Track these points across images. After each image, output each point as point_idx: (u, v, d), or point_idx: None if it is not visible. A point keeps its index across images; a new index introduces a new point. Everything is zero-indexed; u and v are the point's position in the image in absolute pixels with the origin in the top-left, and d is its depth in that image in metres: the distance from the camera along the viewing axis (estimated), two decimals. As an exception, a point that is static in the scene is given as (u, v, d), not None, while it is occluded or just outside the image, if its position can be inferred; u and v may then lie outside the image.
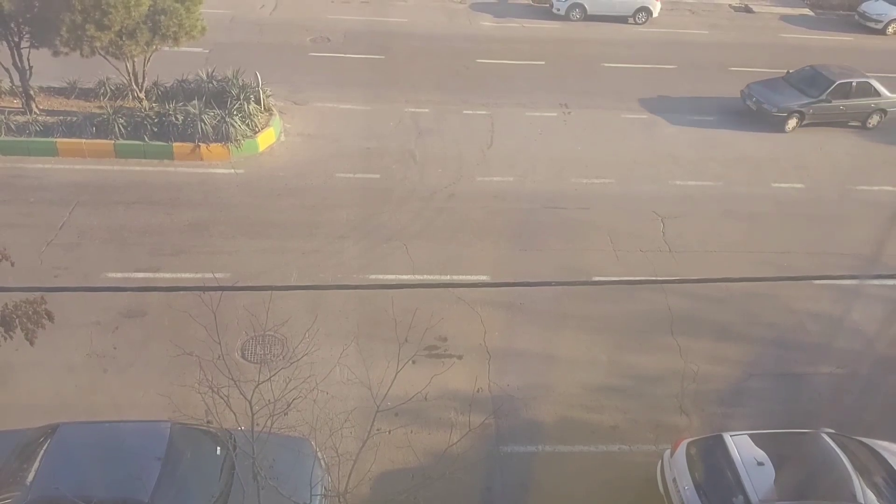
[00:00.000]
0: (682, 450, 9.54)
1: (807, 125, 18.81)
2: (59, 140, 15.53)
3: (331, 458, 7.85)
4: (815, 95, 18.60)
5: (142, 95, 16.64)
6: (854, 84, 18.80)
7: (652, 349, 12.12)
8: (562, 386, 11.34)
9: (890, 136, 19.11)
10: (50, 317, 8.09)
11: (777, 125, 18.53)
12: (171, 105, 16.23)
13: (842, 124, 19.28)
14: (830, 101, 18.57)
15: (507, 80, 20.37)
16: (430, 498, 7.83)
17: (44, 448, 8.37)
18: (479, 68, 21.03)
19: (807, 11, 27.79)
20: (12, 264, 8.37)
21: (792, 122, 18.58)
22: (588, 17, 24.85)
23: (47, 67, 15.90)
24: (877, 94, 18.92)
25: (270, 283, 12.18)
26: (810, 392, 11.65)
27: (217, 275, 11.15)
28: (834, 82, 18.63)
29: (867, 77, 19.09)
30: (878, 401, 11.40)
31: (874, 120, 19.19)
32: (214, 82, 17.10)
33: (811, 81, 19.02)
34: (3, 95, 16.66)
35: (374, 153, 16.72)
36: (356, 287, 13.13)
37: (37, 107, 16.22)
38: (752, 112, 18.96)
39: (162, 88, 17.02)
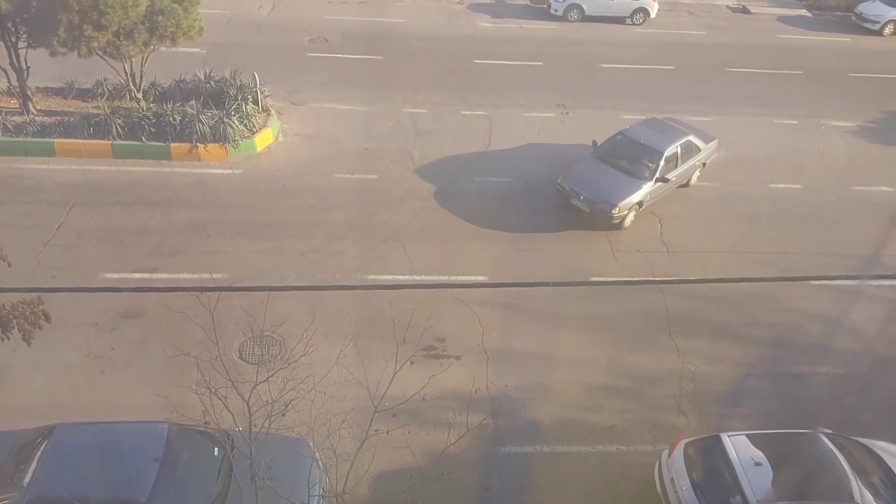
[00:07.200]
0: (679, 450, 9.55)
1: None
2: (56, 140, 15.50)
3: (329, 459, 7.86)
4: (648, 176, 14.76)
5: (139, 96, 16.62)
6: (680, 148, 15.29)
7: (650, 349, 12.13)
8: (560, 386, 11.34)
9: (886, 137, 19.14)
10: (47, 317, 8.06)
11: (616, 224, 14.63)
12: (168, 105, 16.23)
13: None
14: (668, 180, 14.96)
15: (506, 81, 20.37)
16: (428, 498, 7.82)
17: (41, 449, 8.35)
18: (477, 69, 21.03)
19: (804, 12, 27.84)
20: (9, 265, 8.35)
21: (631, 216, 14.74)
22: (586, 18, 24.88)
23: (45, 67, 15.87)
24: (698, 149, 15.76)
25: (268, 284, 12.18)
26: (808, 392, 11.66)
27: (215, 275, 11.12)
28: (662, 154, 14.90)
29: (686, 133, 15.79)
30: (876, 401, 11.42)
31: (696, 176, 16.23)
32: (212, 83, 17.07)
33: (634, 157, 15.08)
34: (0, 96, 16.62)
35: (372, 154, 16.71)
36: (354, 287, 13.12)
37: (34, 107, 16.19)
38: (583, 213, 14.70)
39: (159, 89, 17.00)
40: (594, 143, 15.83)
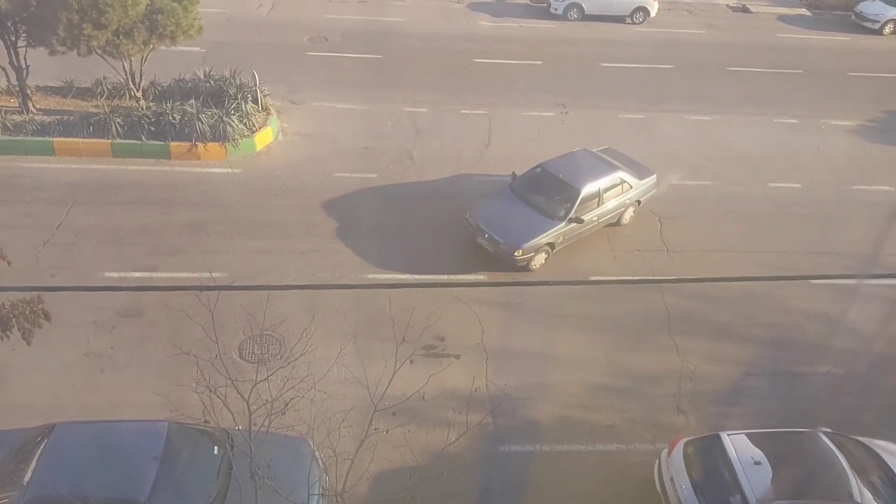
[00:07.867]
0: (679, 449, 9.56)
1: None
2: (55, 139, 15.48)
3: (328, 458, 7.85)
4: (561, 215, 13.46)
5: (139, 95, 16.61)
6: (602, 186, 13.91)
7: (649, 349, 12.13)
8: (559, 385, 11.35)
9: (886, 136, 19.14)
10: (47, 316, 8.06)
11: (523, 266, 13.39)
12: (168, 104, 16.21)
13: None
14: (583, 221, 13.57)
15: (505, 80, 20.36)
16: (427, 497, 7.83)
17: (41, 448, 8.35)
18: (476, 68, 21.02)
19: (804, 11, 27.86)
20: (9, 264, 8.35)
21: (540, 258, 13.54)
22: (586, 17, 24.89)
23: (44, 66, 15.85)
24: (629, 187, 14.36)
25: (268, 283, 12.19)
26: (808, 392, 11.66)
27: (214, 274, 11.16)
28: (580, 191, 13.58)
29: (615, 168, 14.37)
30: (875, 400, 11.43)
31: (629, 214, 14.80)
32: (212, 82, 17.07)
33: (550, 193, 13.85)
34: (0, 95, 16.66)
35: (371, 153, 16.71)
36: (354, 286, 13.13)
37: (33, 106, 16.18)
38: (489, 253, 13.51)
39: (159, 88, 16.98)
40: (513, 174, 14.57)
